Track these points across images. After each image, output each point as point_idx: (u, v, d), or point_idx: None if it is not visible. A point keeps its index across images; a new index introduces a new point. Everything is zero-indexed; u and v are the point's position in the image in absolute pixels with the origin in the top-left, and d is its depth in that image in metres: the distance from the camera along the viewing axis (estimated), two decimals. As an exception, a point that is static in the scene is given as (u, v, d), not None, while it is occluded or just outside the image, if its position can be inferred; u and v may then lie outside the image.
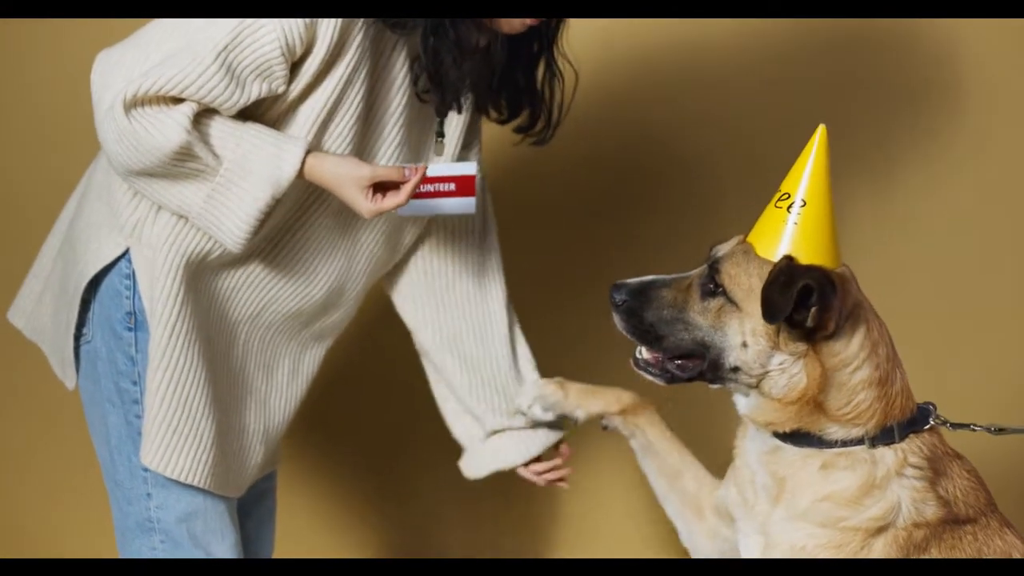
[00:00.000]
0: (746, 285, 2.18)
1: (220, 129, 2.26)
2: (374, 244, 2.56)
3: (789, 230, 2.16)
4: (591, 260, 3.43)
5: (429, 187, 2.40)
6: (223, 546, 2.47)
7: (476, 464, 2.75)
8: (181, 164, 2.26)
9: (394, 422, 3.54)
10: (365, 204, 2.30)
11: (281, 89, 2.28)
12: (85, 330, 2.46)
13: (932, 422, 2.25)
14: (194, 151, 2.23)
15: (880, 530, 2.20)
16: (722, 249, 2.25)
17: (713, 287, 2.21)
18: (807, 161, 2.17)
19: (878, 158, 3.35)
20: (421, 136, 2.51)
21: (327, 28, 2.24)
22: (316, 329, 2.62)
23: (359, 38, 2.29)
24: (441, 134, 2.53)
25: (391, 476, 3.58)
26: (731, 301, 2.19)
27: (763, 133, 3.34)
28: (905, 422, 2.23)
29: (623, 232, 3.43)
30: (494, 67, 2.45)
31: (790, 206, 2.17)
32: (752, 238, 2.22)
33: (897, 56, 3.32)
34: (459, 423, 2.76)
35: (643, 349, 2.28)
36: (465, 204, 2.46)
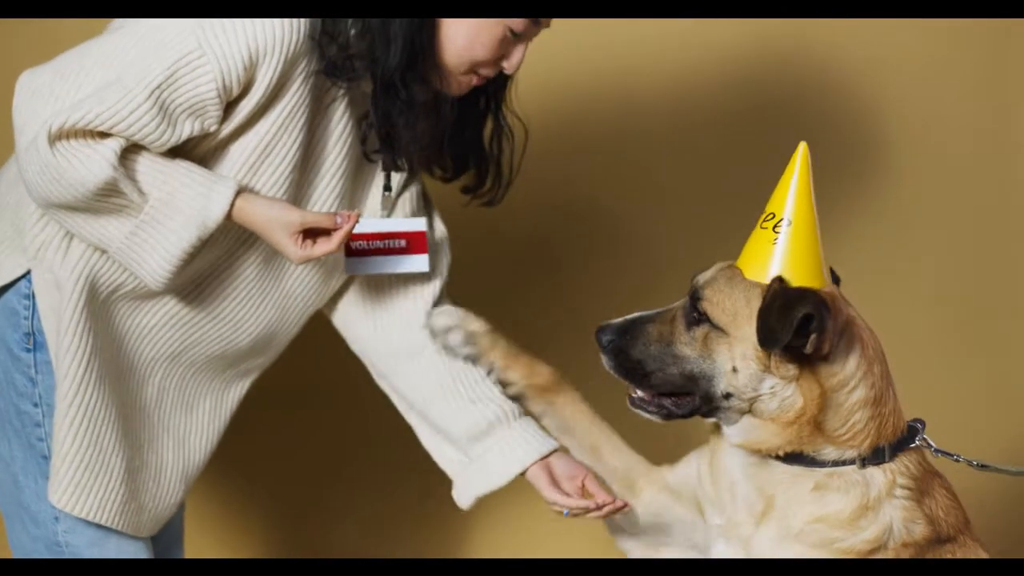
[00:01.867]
0: (731, 310, 2.15)
1: (147, 166, 2.19)
2: (305, 291, 2.47)
3: (778, 250, 2.14)
4: (561, 299, 3.40)
5: (379, 243, 2.35)
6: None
7: (461, 491, 2.52)
8: (104, 200, 2.18)
9: (352, 421, 3.46)
10: (294, 250, 2.22)
11: (213, 128, 2.21)
12: None
13: (918, 442, 2.23)
14: (119, 187, 2.16)
15: (872, 552, 2.18)
16: (703, 276, 2.22)
17: (697, 315, 2.18)
18: (791, 179, 2.15)
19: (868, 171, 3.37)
20: (362, 190, 2.44)
21: (266, 70, 2.18)
22: (242, 368, 2.53)
23: (298, 84, 2.23)
24: (388, 188, 2.45)
25: (350, 477, 3.52)
26: (716, 327, 2.15)
27: (729, 158, 3.35)
28: (895, 442, 2.21)
29: (600, 273, 3.40)
30: (445, 126, 2.38)
31: (776, 226, 2.14)
32: (741, 262, 2.19)
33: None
34: (439, 451, 2.55)
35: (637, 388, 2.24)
36: (418, 262, 2.41)
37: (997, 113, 3.43)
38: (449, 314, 2.46)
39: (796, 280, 2.12)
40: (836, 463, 2.18)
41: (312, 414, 3.44)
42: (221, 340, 2.44)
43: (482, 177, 2.48)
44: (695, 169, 3.36)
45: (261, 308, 2.43)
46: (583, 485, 2.35)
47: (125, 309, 2.35)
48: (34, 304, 2.32)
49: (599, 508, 2.30)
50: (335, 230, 2.23)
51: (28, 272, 2.31)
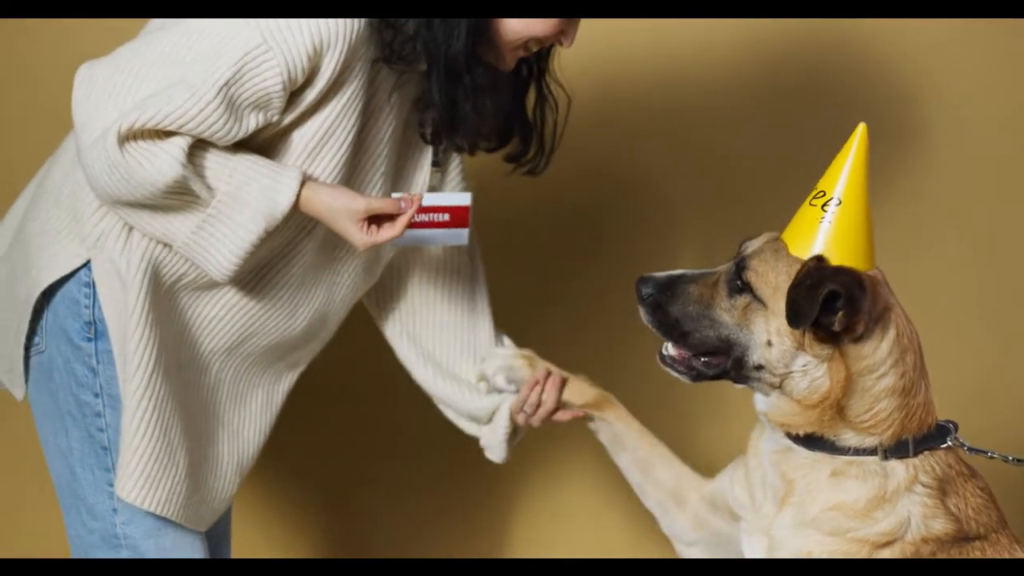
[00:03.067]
0: (773, 283, 2.14)
1: (213, 161, 2.20)
2: (354, 273, 2.51)
3: (823, 229, 2.13)
4: (594, 263, 3.40)
5: (423, 217, 2.35)
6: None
7: (491, 447, 2.66)
8: (173, 197, 2.19)
9: (380, 424, 3.51)
10: (360, 236, 2.24)
11: (275, 119, 2.22)
12: (36, 339, 2.37)
13: (949, 442, 2.20)
14: (188, 185, 2.17)
15: (887, 543, 2.16)
16: (751, 245, 2.21)
17: (740, 284, 2.17)
18: (846, 159, 2.13)
19: (917, 158, 3.31)
20: (405, 164, 2.47)
21: (330, 60, 2.18)
22: (292, 359, 2.56)
23: (358, 71, 2.24)
24: (437, 163, 2.48)
25: (379, 479, 3.56)
26: (758, 299, 2.15)
27: (776, 129, 3.31)
28: (921, 437, 2.18)
29: (639, 233, 3.40)
30: (505, 102, 2.40)
31: (825, 204, 2.13)
32: (786, 236, 2.18)
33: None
34: (464, 424, 2.69)
35: (669, 345, 2.25)
36: (457, 235, 2.43)
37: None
38: (492, 358, 2.61)
39: (838, 260, 2.11)
40: (856, 451, 2.16)
41: (346, 411, 3.45)
42: (278, 328, 2.46)
43: (526, 146, 2.50)
44: (741, 139, 3.33)
45: (314, 292, 2.46)
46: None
47: (186, 300, 2.36)
48: (95, 293, 2.30)
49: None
50: (398, 214, 2.25)
51: (88, 261, 2.31)
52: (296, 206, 2.23)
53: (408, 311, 2.65)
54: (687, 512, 2.47)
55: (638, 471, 2.52)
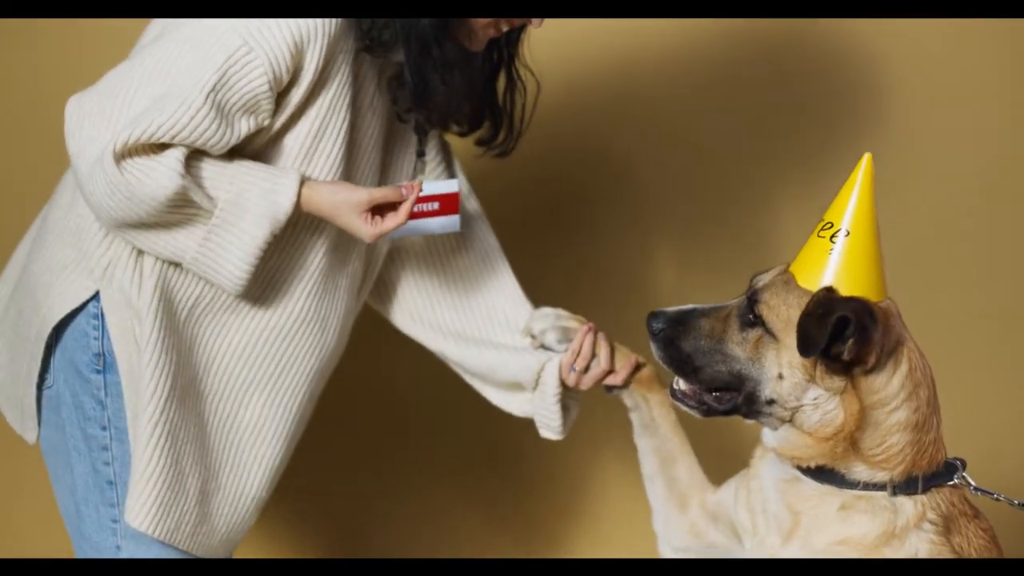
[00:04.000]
0: (785, 316, 2.13)
1: (211, 170, 2.22)
2: (359, 267, 2.52)
3: (832, 260, 2.12)
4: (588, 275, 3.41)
5: (415, 207, 2.37)
6: None
7: (544, 417, 2.56)
8: (176, 211, 2.20)
9: (389, 420, 3.49)
10: (366, 228, 2.26)
11: (266, 122, 2.24)
12: (47, 376, 2.38)
13: (956, 480, 2.19)
14: (189, 196, 2.18)
15: None
16: (763, 279, 2.21)
17: (752, 318, 2.16)
18: (852, 190, 2.13)
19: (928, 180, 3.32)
20: (391, 158, 2.49)
21: (312, 55, 2.20)
22: (315, 388, 2.52)
23: (340, 64, 2.26)
24: (422, 153, 2.51)
25: (387, 476, 3.54)
26: (769, 332, 2.14)
27: (746, 116, 3.36)
28: (930, 474, 2.17)
29: (610, 227, 3.41)
30: (476, 79, 2.42)
31: (833, 235, 2.13)
32: (794, 268, 2.17)
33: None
34: (513, 400, 2.61)
35: (681, 380, 2.24)
36: (450, 222, 2.45)
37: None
38: (543, 316, 2.55)
39: (849, 291, 2.10)
40: (866, 485, 2.14)
41: (347, 411, 3.43)
42: (314, 346, 2.44)
43: (496, 129, 2.52)
44: (712, 125, 3.37)
45: (337, 297, 2.46)
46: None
47: (212, 329, 2.35)
48: (103, 325, 2.31)
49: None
50: (400, 202, 2.27)
51: (96, 293, 2.31)
52: (298, 206, 2.24)
53: (419, 297, 2.63)
54: (685, 517, 2.43)
55: (658, 461, 2.48)
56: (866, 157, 2.13)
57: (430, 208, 2.42)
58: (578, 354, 2.47)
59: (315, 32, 2.19)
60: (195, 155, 2.20)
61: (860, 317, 2.05)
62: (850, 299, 2.08)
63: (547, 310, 2.58)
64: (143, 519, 2.28)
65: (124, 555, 2.34)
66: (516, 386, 2.58)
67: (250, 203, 2.22)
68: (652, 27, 3.28)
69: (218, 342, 2.36)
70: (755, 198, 3.34)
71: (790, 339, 2.11)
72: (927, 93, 3.34)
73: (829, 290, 2.10)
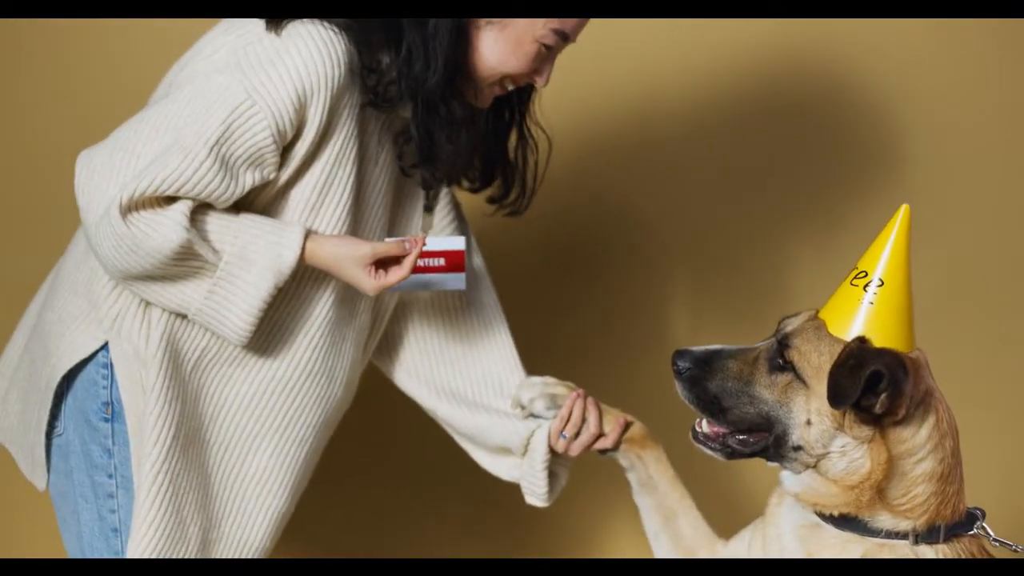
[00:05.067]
0: (816, 363, 2.12)
1: (216, 224, 2.24)
2: (366, 321, 2.53)
3: (864, 309, 2.12)
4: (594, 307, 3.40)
5: (420, 262, 2.37)
6: None
7: (531, 484, 2.58)
8: (181, 264, 2.22)
9: (382, 422, 3.50)
10: (369, 282, 2.28)
11: (272, 176, 2.26)
12: (57, 424, 2.40)
13: (976, 530, 2.19)
14: (194, 249, 2.20)
15: None
16: (792, 323, 2.20)
17: (782, 362, 2.15)
18: (887, 240, 2.13)
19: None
20: (399, 213, 2.50)
21: (315, 108, 2.23)
22: (321, 439, 2.53)
23: (345, 118, 2.28)
24: (429, 208, 2.52)
25: (379, 479, 3.56)
26: (799, 378, 2.13)
27: (757, 163, 3.37)
28: (952, 524, 2.17)
29: (625, 277, 3.42)
30: (481, 137, 2.43)
31: (866, 285, 2.13)
32: (824, 314, 2.17)
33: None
34: (501, 464, 2.63)
35: (704, 423, 2.23)
36: (455, 279, 2.46)
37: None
38: (531, 386, 2.56)
39: (880, 341, 2.10)
40: (889, 534, 2.14)
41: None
42: (321, 397, 2.46)
43: (508, 187, 2.54)
44: (721, 171, 3.39)
45: (344, 349, 2.47)
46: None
47: (219, 380, 2.37)
48: (112, 374, 2.33)
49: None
50: (403, 256, 2.29)
51: (106, 344, 2.33)
52: (302, 260, 2.26)
53: (418, 355, 2.64)
54: None
55: (661, 518, 2.48)
56: (903, 209, 2.13)
57: (435, 264, 2.43)
58: (567, 420, 2.49)
59: (319, 85, 2.21)
60: (201, 208, 2.23)
61: (893, 371, 2.05)
62: (883, 352, 2.08)
63: (535, 379, 2.59)
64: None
65: None
66: (505, 450, 2.59)
67: (255, 256, 2.24)
68: (664, 75, 3.31)
69: (224, 392, 2.38)
70: (768, 246, 3.37)
71: (820, 386, 2.10)
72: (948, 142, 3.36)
73: (862, 340, 2.09)
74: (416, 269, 2.34)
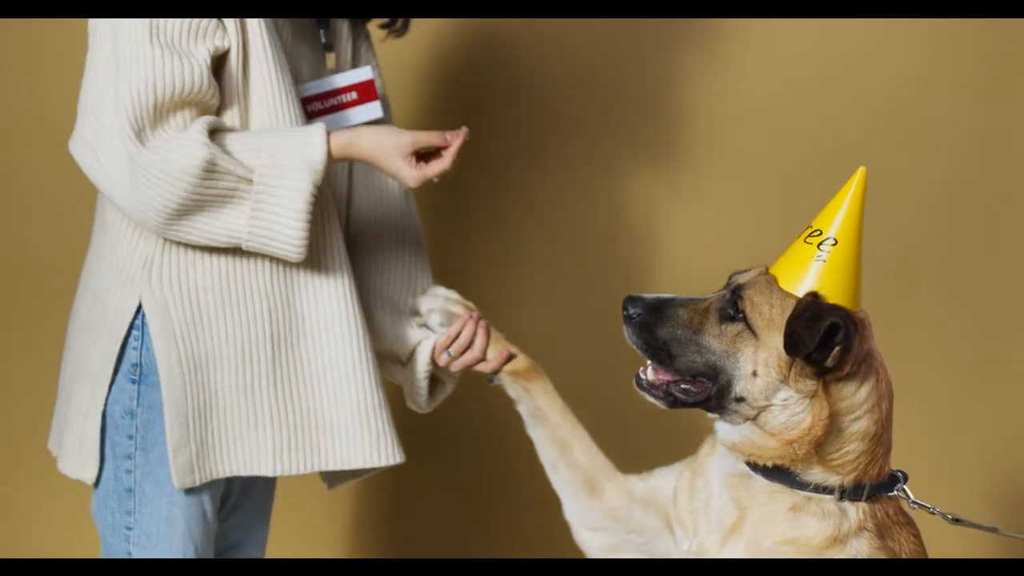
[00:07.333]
0: (768, 315, 2.16)
1: (238, 143, 2.24)
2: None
3: (815, 267, 2.16)
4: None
5: (332, 101, 2.42)
6: None
7: (411, 392, 2.62)
8: (214, 184, 2.21)
9: None
10: (411, 172, 2.28)
11: (224, 44, 2.25)
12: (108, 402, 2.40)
13: (896, 492, 2.25)
14: (220, 165, 2.19)
15: None
16: (744, 276, 2.24)
17: (733, 312, 2.18)
18: (843, 200, 2.17)
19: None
20: (299, 63, 2.48)
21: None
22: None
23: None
24: (328, 46, 2.51)
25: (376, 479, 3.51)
26: (750, 328, 2.17)
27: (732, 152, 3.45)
28: (876, 484, 2.22)
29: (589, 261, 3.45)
30: None
31: (820, 243, 2.16)
32: (775, 270, 2.21)
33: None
34: (390, 370, 2.64)
35: (648, 370, 2.25)
36: (371, 109, 2.50)
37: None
38: (433, 297, 2.59)
39: (831, 299, 2.14)
40: (817, 488, 2.19)
41: None
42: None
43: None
44: (698, 154, 3.45)
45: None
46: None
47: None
48: (144, 331, 2.33)
49: None
50: (444, 148, 2.29)
51: (140, 306, 2.33)
52: (330, 156, 2.24)
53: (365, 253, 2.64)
54: (599, 501, 2.44)
55: (556, 448, 2.49)
56: (860, 171, 2.17)
57: (349, 98, 2.46)
58: (454, 339, 2.52)
59: None
60: (217, 133, 2.23)
61: (848, 325, 2.10)
62: (836, 307, 2.12)
63: (439, 290, 2.61)
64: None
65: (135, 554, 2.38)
66: (392, 354, 2.60)
67: (285, 161, 2.22)
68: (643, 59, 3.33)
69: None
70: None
71: (769, 338, 2.14)
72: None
73: (815, 295, 2.14)
74: (334, 108, 2.39)
